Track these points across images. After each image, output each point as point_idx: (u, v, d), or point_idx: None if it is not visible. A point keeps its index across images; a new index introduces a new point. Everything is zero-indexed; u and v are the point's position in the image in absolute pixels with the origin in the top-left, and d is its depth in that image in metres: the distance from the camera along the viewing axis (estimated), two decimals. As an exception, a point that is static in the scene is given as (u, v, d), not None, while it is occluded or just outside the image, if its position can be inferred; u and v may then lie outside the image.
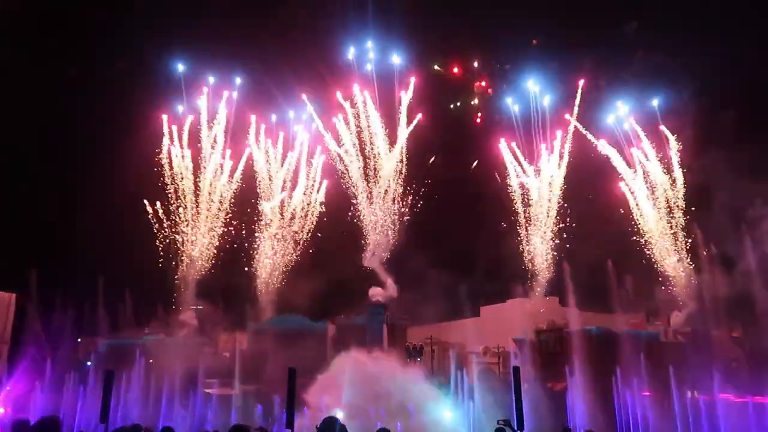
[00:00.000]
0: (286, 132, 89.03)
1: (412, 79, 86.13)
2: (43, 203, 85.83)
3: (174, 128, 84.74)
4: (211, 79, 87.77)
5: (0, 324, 73.57)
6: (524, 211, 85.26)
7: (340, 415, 50.70)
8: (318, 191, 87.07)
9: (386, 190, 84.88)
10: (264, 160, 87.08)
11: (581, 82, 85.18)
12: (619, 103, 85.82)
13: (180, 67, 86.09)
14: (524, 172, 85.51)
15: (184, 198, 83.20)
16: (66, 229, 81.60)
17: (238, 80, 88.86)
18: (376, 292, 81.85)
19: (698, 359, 59.44)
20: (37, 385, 60.82)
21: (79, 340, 70.06)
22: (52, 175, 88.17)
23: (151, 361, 66.57)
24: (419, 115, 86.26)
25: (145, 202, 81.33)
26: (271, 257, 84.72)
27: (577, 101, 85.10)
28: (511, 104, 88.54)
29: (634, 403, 58.37)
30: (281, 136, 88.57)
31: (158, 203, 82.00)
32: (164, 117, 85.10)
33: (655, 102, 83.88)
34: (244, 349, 74.85)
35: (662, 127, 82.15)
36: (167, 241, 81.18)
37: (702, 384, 57.82)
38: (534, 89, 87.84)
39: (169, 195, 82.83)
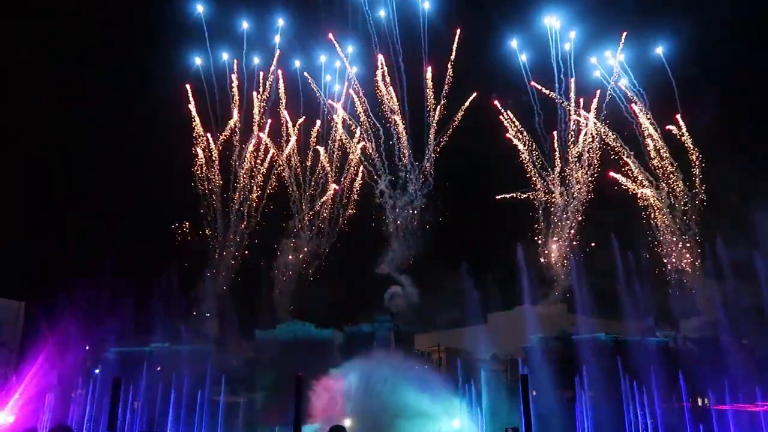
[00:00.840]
0: (323, 120, 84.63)
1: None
2: (60, 209, 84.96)
3: (199, 116, 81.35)
4: (245, 24, 77.83)
5: (9, 332, 73.70)
6: (544, 219, 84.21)
7: (347, 422, 50.57)
8: (346, 209, 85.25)
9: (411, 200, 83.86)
10: (296, 182, 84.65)
11: (624, 35, 77.06)
12: (607, 53, 79.94)
13: (199, 8, 76.31)
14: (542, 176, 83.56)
15: (214, 214, 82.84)
16: (82, 237, 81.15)
17: (281, 22, 78.22)
18: (395, 291, 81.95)
19: (709, 366, 58.82)
20: (45, 393, 60.92)
21: (87, 347, 70.17)
22: (68, 177, 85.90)
23: (159, 368, 66.63)
24: (473, 94, 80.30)
25: (173, 226, 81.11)
26: (290, 270, 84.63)
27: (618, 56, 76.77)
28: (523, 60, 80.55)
29: (644, 410, 57.84)
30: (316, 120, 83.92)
31: (186, 223, 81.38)
32: (188, 87, 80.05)
33: (659, 50, 78.15)
34: (252, 357, 74.94)
35: (670, 122, 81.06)
36: (194, 249, 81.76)
37: (713, 391, 57.27)
38: (554, 24, 78.17)
39: (202, 193, 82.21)
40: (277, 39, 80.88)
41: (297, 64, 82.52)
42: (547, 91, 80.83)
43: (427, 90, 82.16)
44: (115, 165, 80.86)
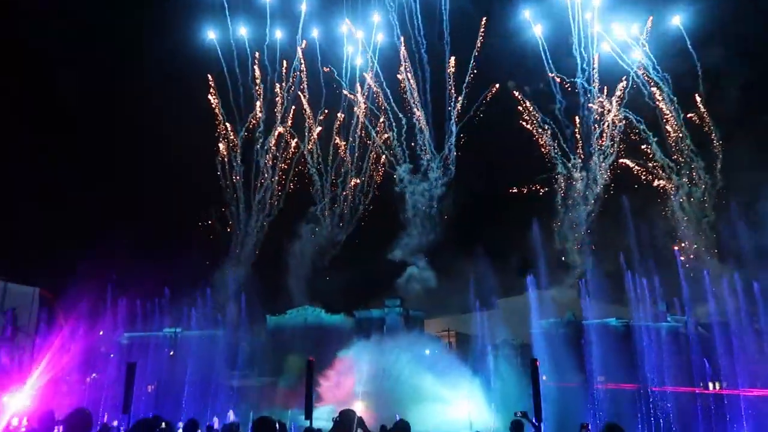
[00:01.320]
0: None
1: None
2: (72, 195, 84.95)
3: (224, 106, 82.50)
4: None
5: (25, 317, 74.63)
6: (561, 205, 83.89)
7: (358, 406, 50.90)
8: (366, 199, 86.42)
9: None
10: (317, 172, 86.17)
11: (650, 19, 75.18)
12: (614, 24, 77.33)
13: None
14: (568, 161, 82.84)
15: (237, 204, 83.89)
16: (96, 222, 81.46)
17: None
18: (412, 272, 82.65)
19: (721, 352, 58.54)
20: (61, 378, 61.76)
21: (101, 332, 71.08)
22: (82, 163, 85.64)
23: (171, 353, 67.38)
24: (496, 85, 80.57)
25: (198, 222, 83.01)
26: (306, 257, 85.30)
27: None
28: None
29: (655, 396, 57.77)
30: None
31: (210, 221, 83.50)
32: (209, 76, 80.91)
33: (676, 19, 75.31)
34: (264, 342, 75.60)
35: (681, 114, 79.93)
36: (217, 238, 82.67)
37: (726, 377, 57.04)
38: None
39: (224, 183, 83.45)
40: (303, 7, 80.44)
41: (314, 33, 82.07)
42: (568, 84, 79.99)
43: (449, 80, 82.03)
44: (132, 152, 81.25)
